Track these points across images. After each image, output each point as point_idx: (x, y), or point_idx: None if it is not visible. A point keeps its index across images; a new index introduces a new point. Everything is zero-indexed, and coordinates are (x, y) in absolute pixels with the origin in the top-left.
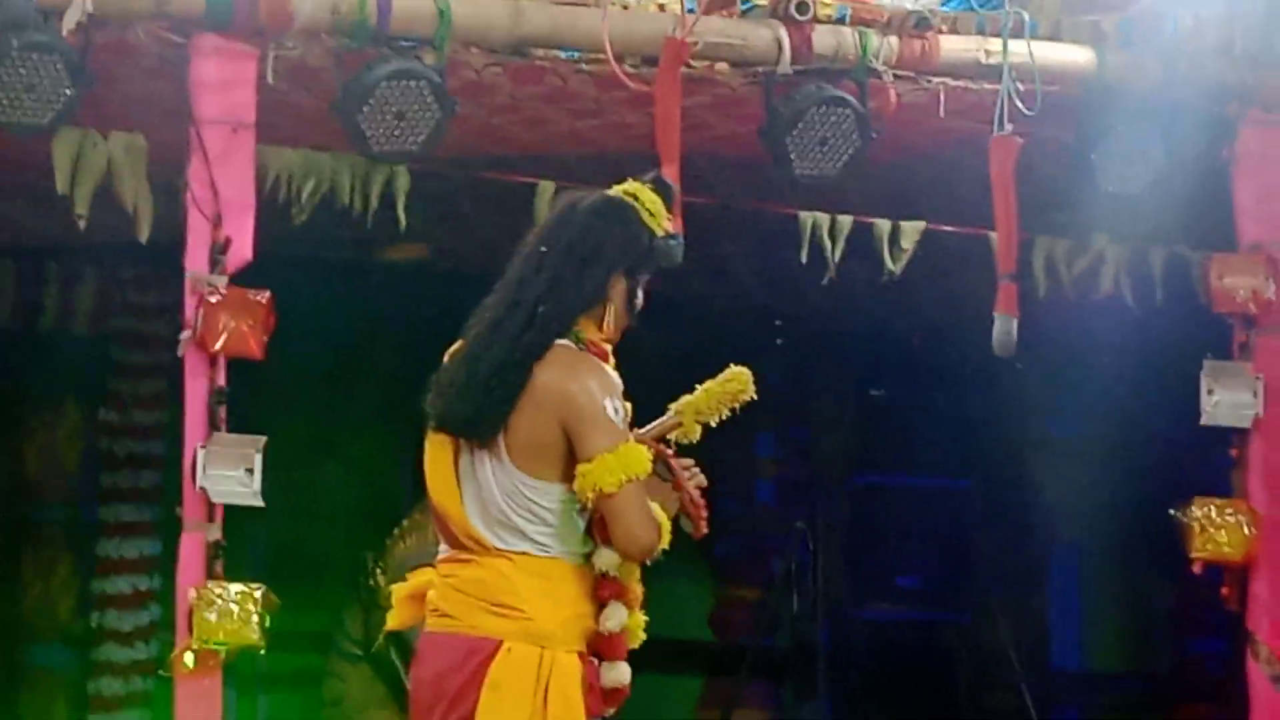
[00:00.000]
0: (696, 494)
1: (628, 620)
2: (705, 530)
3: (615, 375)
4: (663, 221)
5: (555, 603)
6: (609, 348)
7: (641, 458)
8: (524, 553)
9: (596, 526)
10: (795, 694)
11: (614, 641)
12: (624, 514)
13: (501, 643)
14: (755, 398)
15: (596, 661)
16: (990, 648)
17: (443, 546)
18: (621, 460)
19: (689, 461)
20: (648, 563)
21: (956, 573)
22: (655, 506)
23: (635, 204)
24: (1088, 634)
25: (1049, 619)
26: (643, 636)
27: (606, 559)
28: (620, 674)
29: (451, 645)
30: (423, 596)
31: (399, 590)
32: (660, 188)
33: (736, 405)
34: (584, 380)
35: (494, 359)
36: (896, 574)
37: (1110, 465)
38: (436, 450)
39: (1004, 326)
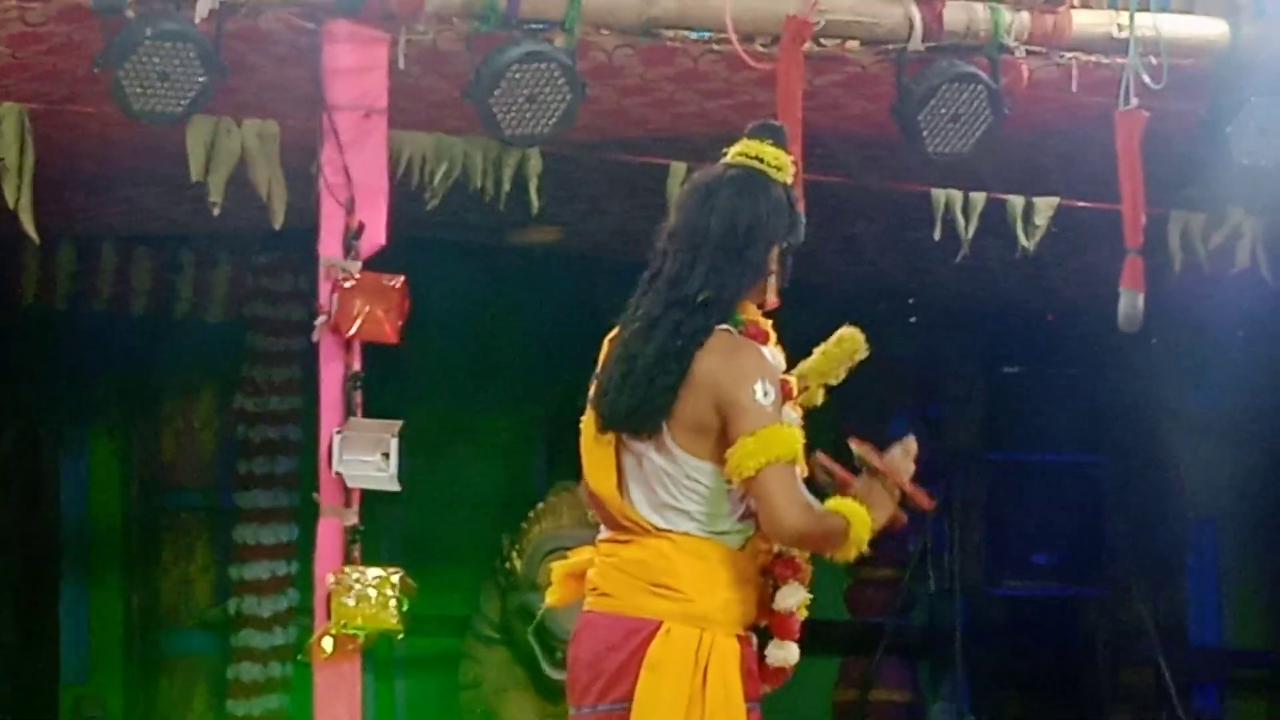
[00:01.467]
0: (899, 484)
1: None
2: (928, 504)
3: (774, 355)
4: (789, 170)
5: (714, 584)
6: (769, 326)
7: (786, 439)
8: (686, 533)
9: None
10: (932, 672)
11: (788, 621)
12: (767, 497)
13: (661, 623)
14: (867, 367)
15: (755, 644)
16: (1128, 624)
17: (602, 528)
18: (762, 443)
19: (896, 452)
20: (828, 555)
21: (1093, 549)
22: (846, 501)
23: (766, 168)
24: (1226, 610)
25: (1187, 595)
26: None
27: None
28: (789, 653)
29: (611, 624)
30: (582, 574)
31: (559, 568)
32: (771, 134)
33: (853, 365)
34: (738, 365)
35: (653, 352)
36: (1033, 551)
37: (1247, 440)
38: (596, 443)
39: (1130, 301)
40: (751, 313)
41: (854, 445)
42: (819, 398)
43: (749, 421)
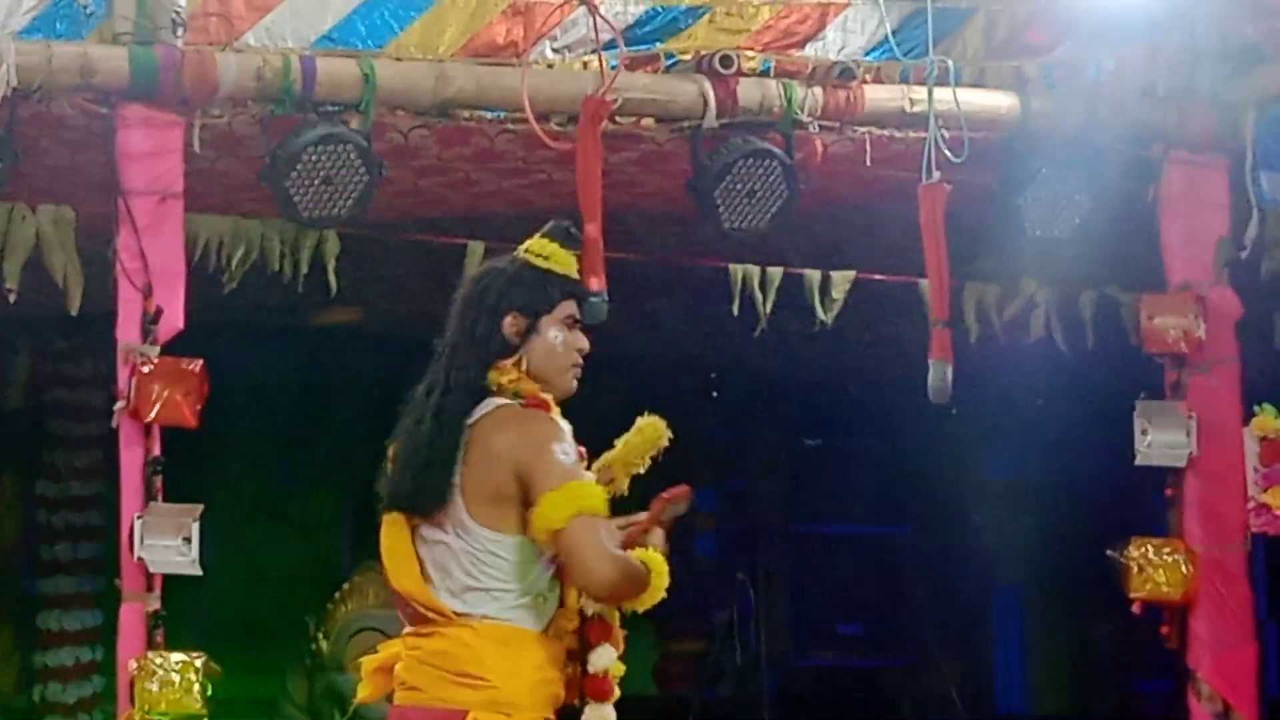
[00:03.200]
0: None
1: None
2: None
3: (559, 422)
4: (560, 260)
5: (520, 670)
6: (549, 398)
7: (590, 493)
8: (486, 616)
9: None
10: None
11: (601, 683)
12: (577, 550)
13: (468, 713)
14: (670, 444)
15: None
16: (934, 692)
17: (406, 624)
18: (567, 496)
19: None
20: (627, 609)
21: (898, 618)
22: (642, 552)
23: (521, 253)
24: (1031, 676)
25: (992, 661)
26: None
27: (592, 601)
28: (605, 715)
29: (420, 718)
30: (391, 668)
31: (368, 663)
32: (554, 232)
33: (656, 453)
34: (532, 433)
35: (425, 432)
36: (838, 621)
37: (1048, 507)
38: (392, 530)
39: (939, 373)
40: (529, 385)
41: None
42: (624, 486)
43: (553, 479)
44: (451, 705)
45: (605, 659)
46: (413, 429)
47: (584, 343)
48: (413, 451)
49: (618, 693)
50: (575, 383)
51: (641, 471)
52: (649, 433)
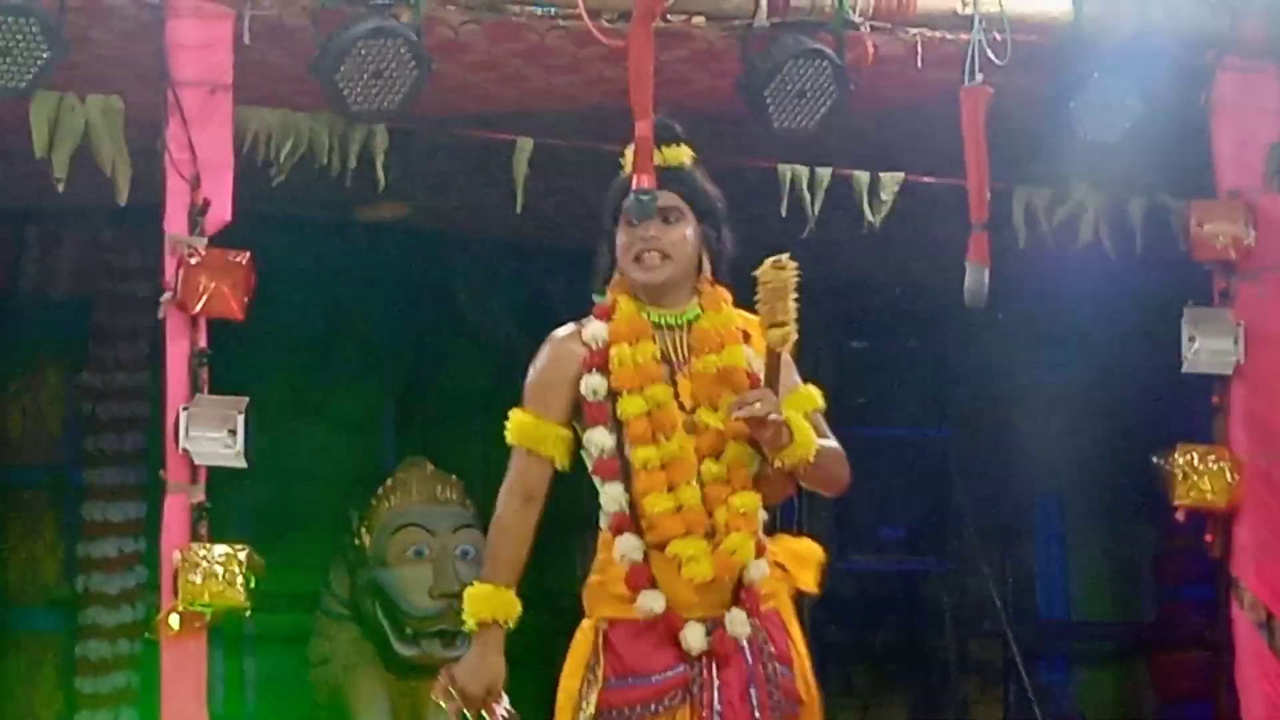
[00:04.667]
0: None
1: None
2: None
3: (555, 342)
4: (629, 158)
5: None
6: (619, 298)
7: (514, 425)
8: None
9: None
10: None
11: None
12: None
13: None
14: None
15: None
16: (975, 597)
17: None
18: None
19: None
20: None
21: (940, 523)
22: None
23: (622, 160)
24: (1073, 583)
25: (1034, 568)
26: None
27: None
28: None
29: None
30: None
31: None
32: (657, 128)
33: (793, 287)
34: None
35: None
36: (880, 525)
37: (1092, 414)
38: None
39: (975, 276)
40: (620, 289)
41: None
42: (791, 335)
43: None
44: None
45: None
46: None
47: (646, 232)
48: None
49: None
50: (648, 271)
51: (793, 315)
52: (780, 274)
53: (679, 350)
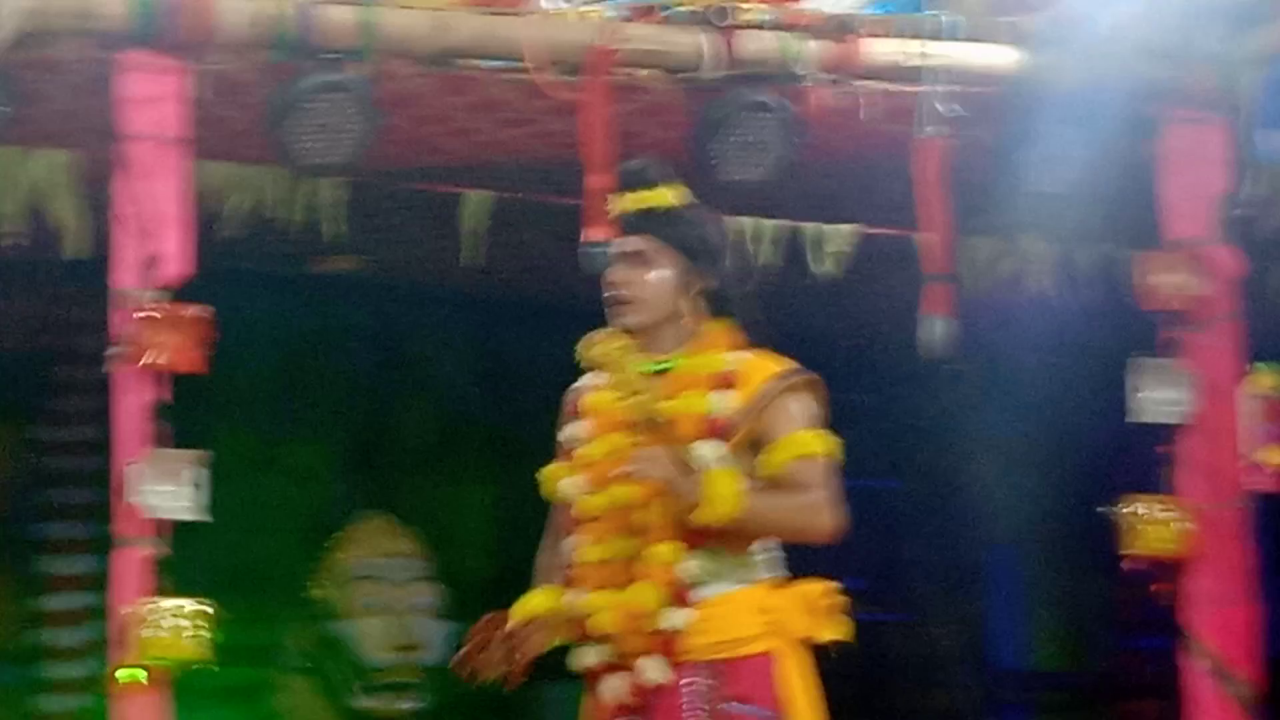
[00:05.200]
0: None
1: None
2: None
3: (570, 396)
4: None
5: None
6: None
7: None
8: None
9: None
10: None
11: None
12: None
13: None
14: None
15: None
16: (931, 648)
17: None
18: None
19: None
20: None
21: (897, 574)
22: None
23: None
24: (1029, 633)
25: (989, 619)
26: None
27: None
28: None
29: None
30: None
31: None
32: (627, 174)
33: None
34: None
35: None
36: (836, 576)
37: (1044, 464)
38: None
39: (934, 328)
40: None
41: None
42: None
43: None
44: None
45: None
46: None
47: (610, 279)
48: None
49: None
50: (615, 319)
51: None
52: (591, 363)
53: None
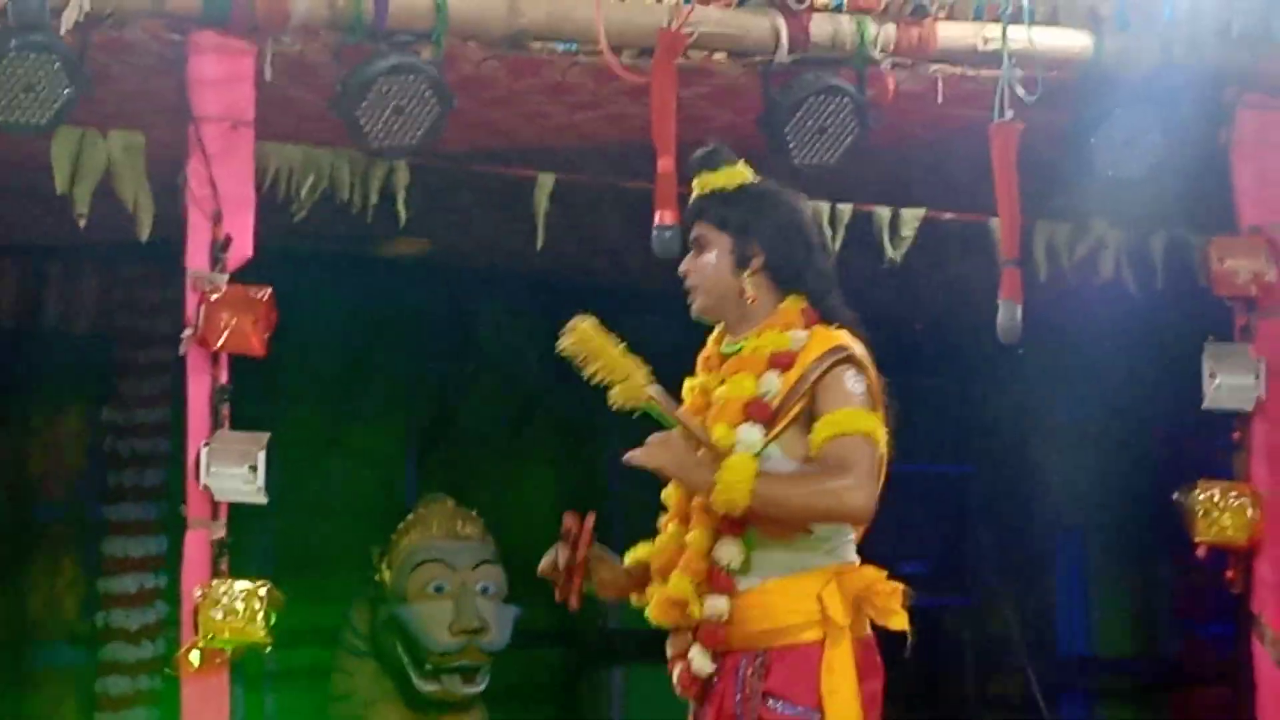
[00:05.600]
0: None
1: None
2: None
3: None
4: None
5: None
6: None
7: None
8: None
9: None
10: None
11: None
12: None
13: None
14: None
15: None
16: (996, 633)
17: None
18: None
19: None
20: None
21: (961, 559)
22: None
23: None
24: (1094, 619)
25: (1055, 604)
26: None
27: None
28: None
29: None
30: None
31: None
32: (692, 159)
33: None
34: None
35: None
36: (901, 560)
37: (1113, 450)
38: None
39: (1008, 312)
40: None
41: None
42: (633, 393)
43: None
44: None
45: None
46: None
47: (681, 267)
48: None
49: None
50: (691, 306)
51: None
52: (568, 352)
53: None
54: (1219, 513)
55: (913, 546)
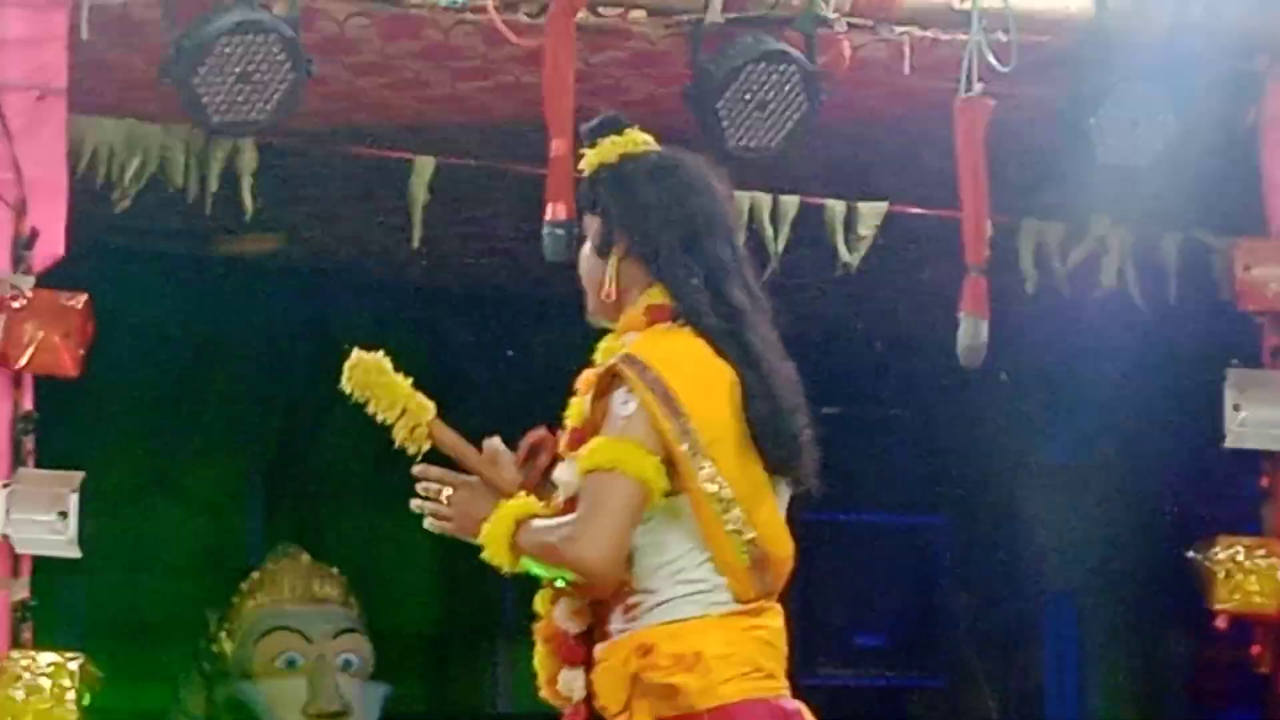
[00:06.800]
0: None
1: None
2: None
3: None
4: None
5: None
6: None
7: None
8: None
9: None
10: None
11: None
12: None
13: None
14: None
15: None
16: (971, 717)
17: (728, 597)
18: None
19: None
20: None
21: (929, 629)
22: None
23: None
24: (1088, 702)
25: (1042, 684)
26: None
27: None
28: None
29: (788, 711)
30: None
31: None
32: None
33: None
34: None
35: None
36: (856, 631)
37: (1115, 498)
38: (765, 493)
39: (971, 329)
40: None
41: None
42: (414, 436)
43: None
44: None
45: None
46: (784, 365)
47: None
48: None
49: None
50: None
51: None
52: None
53: None
54: (1243, 575)
55: (870, 615)
